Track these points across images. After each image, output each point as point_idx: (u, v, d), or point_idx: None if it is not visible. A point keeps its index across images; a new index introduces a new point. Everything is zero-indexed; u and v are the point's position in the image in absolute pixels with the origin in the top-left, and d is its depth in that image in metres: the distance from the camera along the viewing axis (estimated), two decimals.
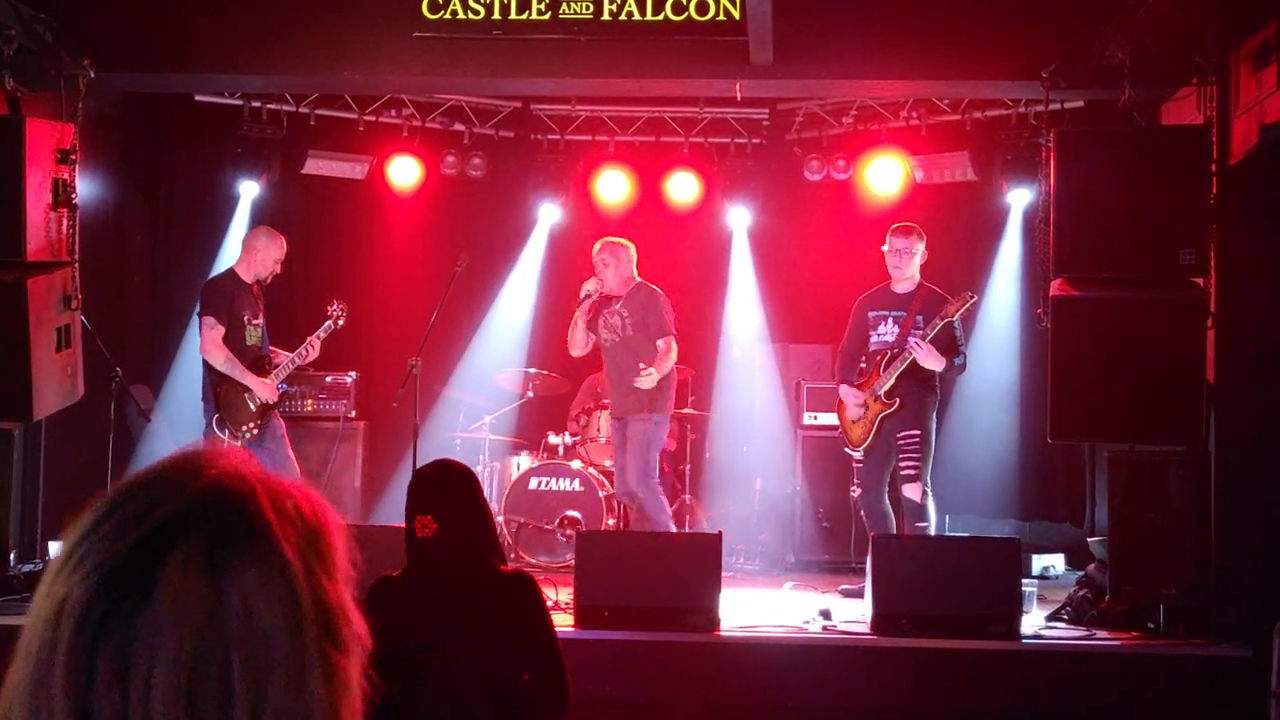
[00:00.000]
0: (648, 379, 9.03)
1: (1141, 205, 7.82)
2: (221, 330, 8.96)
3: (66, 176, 8.04)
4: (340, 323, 9.37)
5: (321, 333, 9.30)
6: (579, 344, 9.44)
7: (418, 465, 8.74)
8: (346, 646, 1.33)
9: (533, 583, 4.66)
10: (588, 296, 9.31)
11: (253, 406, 9.04)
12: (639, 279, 9.46)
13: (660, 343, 9.22)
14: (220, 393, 9.01)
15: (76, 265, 8.20)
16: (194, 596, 1.23)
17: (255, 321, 9.22)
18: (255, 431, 9.04)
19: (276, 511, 1.31)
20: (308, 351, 9.29)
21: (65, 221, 8.08)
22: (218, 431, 8.97)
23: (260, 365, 9.16)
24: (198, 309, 9.19)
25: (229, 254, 11.37)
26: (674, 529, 9.35)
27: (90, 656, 1.20)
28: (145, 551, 1.24)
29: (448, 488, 4.66)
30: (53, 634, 1.22)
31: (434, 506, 4.58)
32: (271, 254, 9.28)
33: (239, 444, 9.00)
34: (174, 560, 1.23)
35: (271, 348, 9.40)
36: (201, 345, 9.05)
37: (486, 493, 10.43)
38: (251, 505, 1.30)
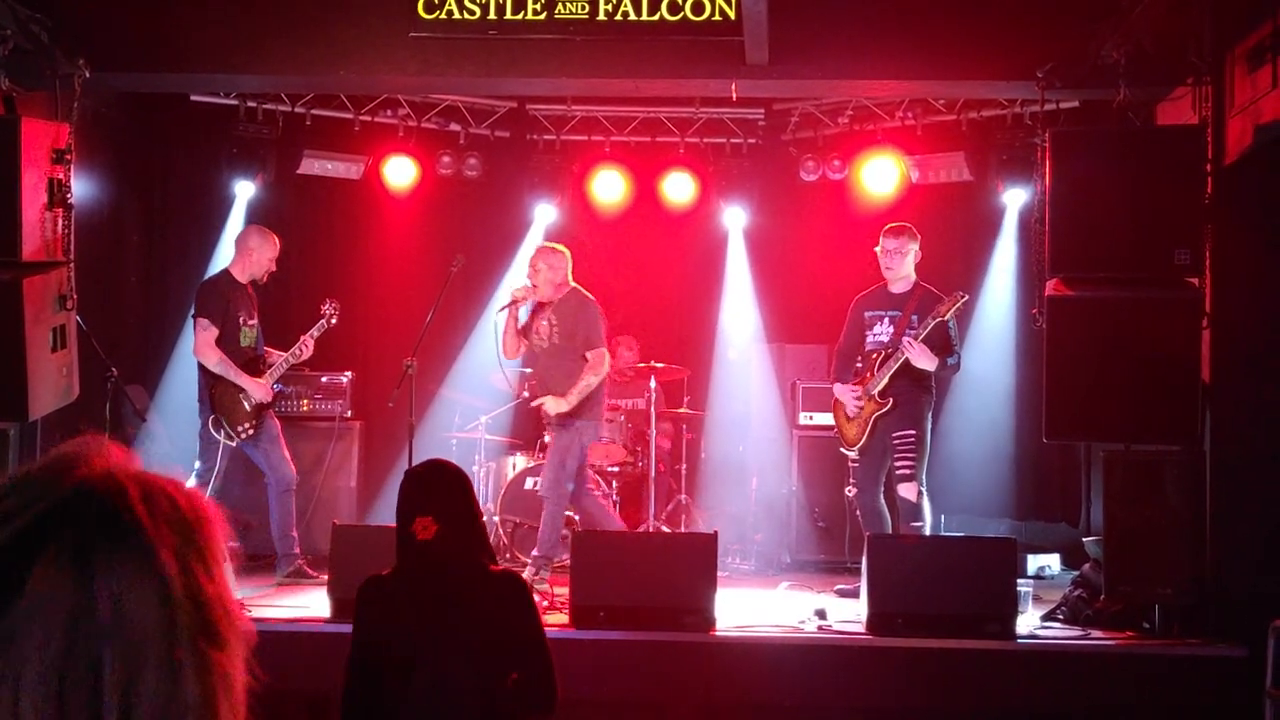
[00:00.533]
0: (554, 404, 9.00)
1: (1137, 205, 7.82)
2: (215, 332, 8.97)
3: (62, 176, 8.03)
4: (333, 321, 9.38)
5: (315, 331, 9.31)
6: (509, 348, 9.31)
7: (412, 465, 8.81)
8: (224, 641, 1.32)
9: (522, 582, 4.68)
10: (514, 301, 9.22)
11: (248, 407, 9.05)
12: (574, 285, 9.31)
13: (589, 354, 9.08)
14: (215, 394, 9.02)
15: (72, 265, 8.19)
16: (61, 597, 1.22)
17: (250, 322, 9.23)
18: (251, 431, 9.05)
19: (149, 509, 1.30)
20: (301, 351, 9.30)
21: (61, 221, 8.06)
22: (214, 432, 8.98)
23: (255, 365, 9.17)
24: (192, 310, 9.19)
25: (225, 254, 11.35)
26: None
27: None
28: (12, 553, 1.23)
29: (440, 488, 4.67)
30: None
31: (427, 507, 4.60)
32: (266, 254, 9.30)
33: (235, 444, 9.02)
34: (43, 561, 1.22)
35: (266, 348, 9.40)
36: (195, 347, 9.05)
37: (482, 493, 10.57)
38: (122, 503, 1.28)
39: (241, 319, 9.15)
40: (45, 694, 1.19)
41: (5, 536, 1.24)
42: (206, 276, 9.67)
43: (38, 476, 1.31)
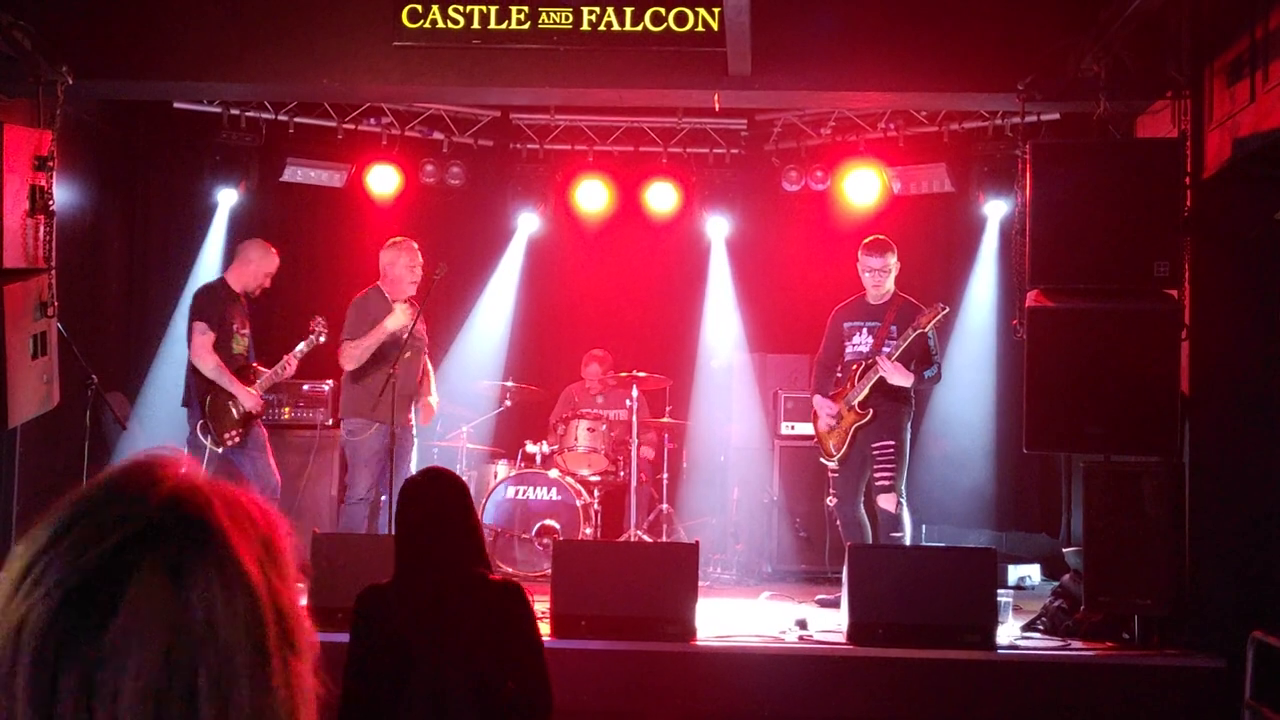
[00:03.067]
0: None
1: (1116, 217, 7.85)
2: (213, 337, 9.01)
3: (44, 183, 8.01)
4: (322, 339, 9.36)
5: (303, 347, 9.30)
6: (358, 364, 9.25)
7: (394, 474, 8.81)
8: (301, 650, 1.33)
9: (521, 592, 4.68)
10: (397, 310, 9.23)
11: (236, 414, 9.05)
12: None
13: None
14: (206, 399, 9.01)
15: (53, 272, 8.17)
16: (160, 611, 1.22)
17: (243, 331, 9.29)
18: (238, 439, 9.06)
19: (233, 521, 1.31)
20: (286, 368, 9.31)
21: (42, 228, 8.04)
22: (201, 437, 8.98)
23: (246, 374, 9.19)
24: (190, 315, 9.20)
25: (208, 261, 11.38)
26: None
27: (53, 674, 1.20)
28: (108, 568, 1.23)
29: (438, 497, 4.68)
30: (12, 653, 1.21)
31: (424, 515, 4.61)
32: (264, 268, 9.34)
33: (221, 451, 9.01)
34: (139, 576, 1.23)
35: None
36: (193, 351, 9.06)
37: None
38: (209, 516, 1.29)
39: (235, 327, 9.18)
40: (143, 708, 1.19)
41: (99, 552, 1.24)
42: (203, 283, 9.64)
43: (123, 490, 1.30)
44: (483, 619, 4.55)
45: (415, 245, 9.46)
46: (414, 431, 9.54)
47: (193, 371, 9.10)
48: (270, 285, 9.51)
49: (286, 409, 10.84)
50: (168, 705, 1.21)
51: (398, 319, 9.10)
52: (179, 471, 1.33)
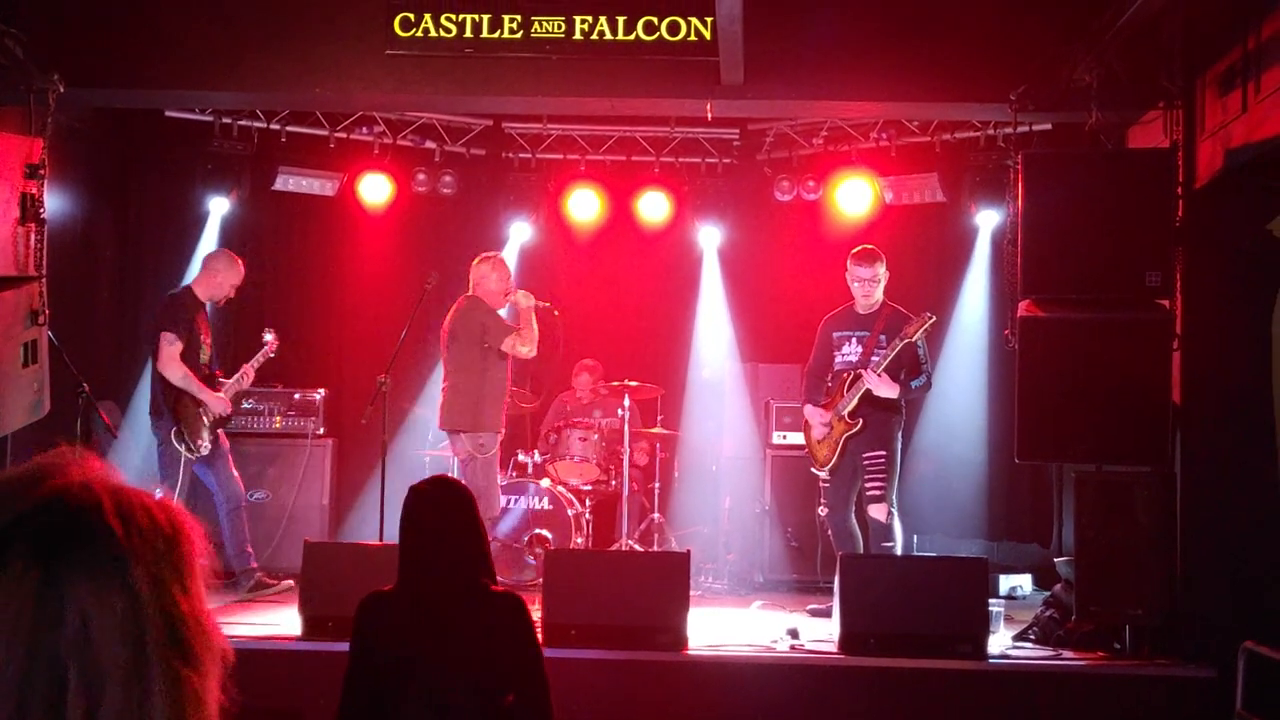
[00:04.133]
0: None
1: (1108, 227, 7.87)
2: (180, 346, 9.01)
3: (35, 191, 8.01)
4: (271, 354, 9.60)
5: (256, 361, 9.52)
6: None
7: (385, 483, 8.79)
8: (198, 661, 1.30)
9: (522, 603, 4.66)
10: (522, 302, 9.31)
11: (206, 421, 9.08)
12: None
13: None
14: (177, 408, 9.01)
15: (44, 280, 8.15)
16: (26, 608, 1.20)
17: (207, 340, 9.33)
18: (209, 446, 9.06)
19: (124, 523, 1.27)
20: (245, 377, 9.47)
21: (33, 236, 8.03)
22: (176, 444, 8.97)
23: (211, 383, 9.21)
24: (157, 323, 9.18)
25: (198, 270, 11.35)
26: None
27: None
28: None
29: (444, 506, 4.66)
30: None
31: (429, 524, 4.60)
32: (230, 279, 9.36)
33: (194, 457, 9.01)
34: (10, 568, 1.21)
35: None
36: (160, 360, 9.05)
37: None
38: (95, 516, 1.26)
39: (201, 336, 9.19)
40: (6, 703, 1.17)
41: None
42: (169, 292, 9.62)
43: (7, 486, 1.28)
44: (484, 629, 4.54)
45: (505, 259, 9.48)
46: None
47: (160, 381, 9.09)
48: (250, 288, 9.51)
49: (277, 418, 10.83)
50: (31, 700, 1.18)
51: (529, 297, 9.27)
52: (77, 471, 1.30)
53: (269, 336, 9.50)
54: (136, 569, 1.26)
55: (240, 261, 9.49)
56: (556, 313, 9.59)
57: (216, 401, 9.11)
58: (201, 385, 9.05)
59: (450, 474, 7.48)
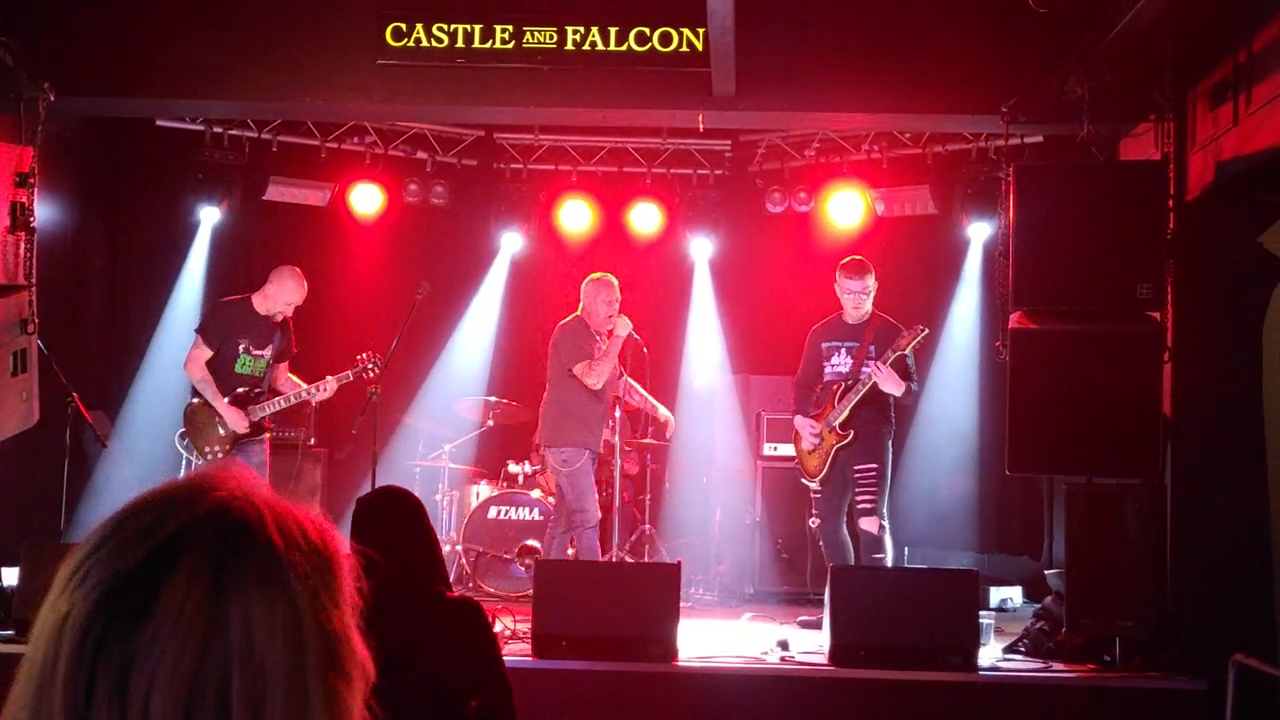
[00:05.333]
0: None
1: (1100, 239, 7.88)
2: (207, 352, 8.88)
3: (25, 200, 7.99)
4: (368, 374, 9.18)
5: (334, 382, 9.16)
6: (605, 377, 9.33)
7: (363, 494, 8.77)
8: (348, 674, 1.34)
9: (479, 609, 4.63)
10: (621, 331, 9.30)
11: (222, 431, 8.94)
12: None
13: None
14: (191, 411, 8.95)
15: (34, 289, 8.14)
16: (195, 615, 1.22)
17: (257, 353, 9.05)
18: (220, 455, 8.96)
19: (283, 536, 1.30)
20: (305, 394, 9.16)
21: (23, 245, 8.03)
22: (178, 445, 8.93)
23: (246, 395, 9.02)
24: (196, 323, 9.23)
25: (189, 280, 11.37)
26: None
27: (90, 672, 1.20)
28: (147, 568, 1.23)
29: (391, 515, 4.62)
30: (54, 649, 1.22)
31: (378, 534, 4.55)
32: (284, 296, 9.05)
33: (201, 463, 8.94)
34: (176, 578, 1.23)
35: (287, 380, 9.26)
36: (185, 359, 9.00)
37: (446, 522, 10.52)
38: (257, 527, 1.29)
39: (244, 346, 8.97)
40: (173, 712, 1.19)
41: (140, 552, 1.24)
42: (226, 298, 9.54)
43: (174, 496, 1.31)
44: (442, 637, 4.51)
45: (614, 280, 9.44)
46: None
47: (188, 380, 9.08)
48: (289, 308, 9.21)
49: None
50: (199, 710, 1.20)
51: (626, 325, 9.25)
52: (237, 484, 1.33)
53: (368, 363, 9.18)
54: (296, 584, 1.28)
55: (303, 283, 9.16)
56: (645, 350, 9.62)
57: (231, 414, 8.91)
58: (217, 394, 8.88)
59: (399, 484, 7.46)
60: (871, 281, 8.98)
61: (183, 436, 8.96)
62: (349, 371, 9.16)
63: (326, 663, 1.30)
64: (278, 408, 9.15)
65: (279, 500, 1.35)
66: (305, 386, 9.17)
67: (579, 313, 9.33)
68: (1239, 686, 6.55)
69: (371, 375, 9.18)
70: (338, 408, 11.23)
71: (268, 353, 9.13)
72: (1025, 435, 7.95)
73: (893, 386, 8.71)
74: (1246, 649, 6.64)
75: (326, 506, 10.86)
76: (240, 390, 9.00)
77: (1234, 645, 6.74)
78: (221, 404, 8.92)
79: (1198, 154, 7.82)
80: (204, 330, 9.04)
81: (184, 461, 8.92)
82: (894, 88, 8.77)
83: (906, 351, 8.67)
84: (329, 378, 9.13)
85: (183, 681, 1.20)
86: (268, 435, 9.23)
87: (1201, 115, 7.81)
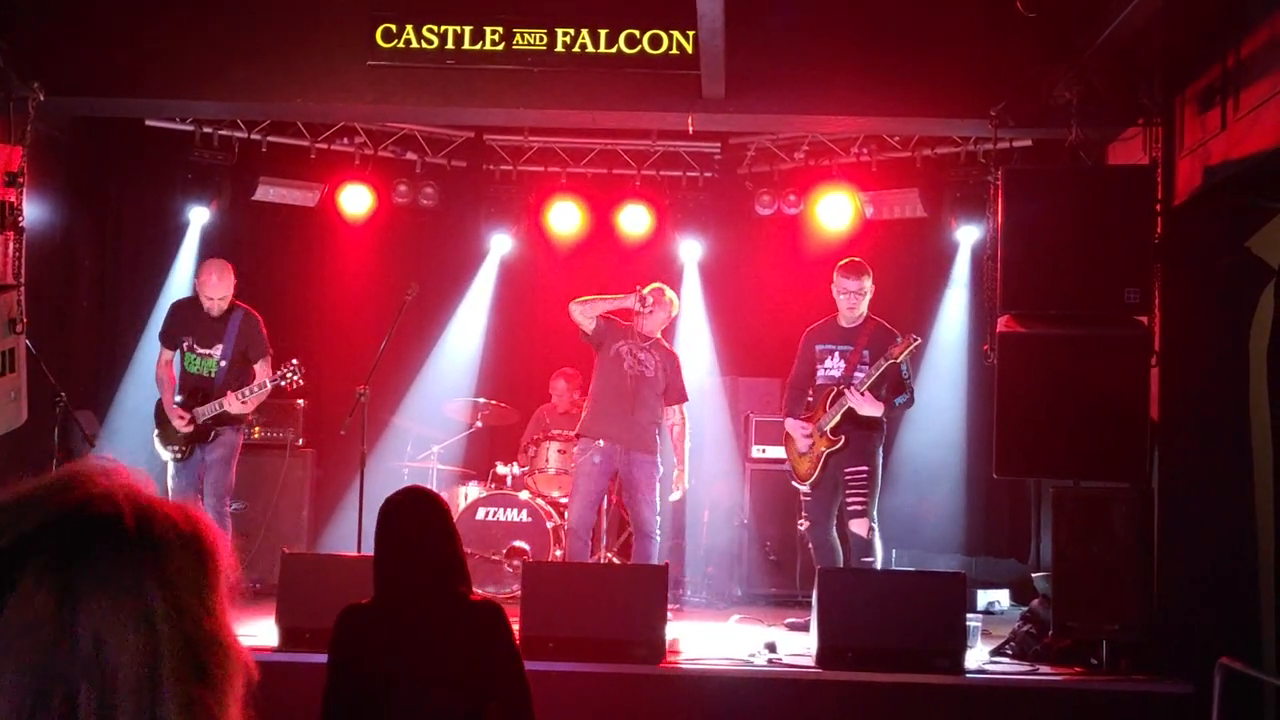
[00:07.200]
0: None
1: (1088, 243, 7.90)
2: (166, 353, 9.03)
3: (13, 199, 7.99)
4: (292, 382, 9.09)
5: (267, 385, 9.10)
6: (589, 321, 9.37)
7: (364, 494, 8.77)
8: (214, 681, 1.26)
9: (501, 612, 4.63)
10: (629, 300, 9.31)
11: (179, 430, 8.95)
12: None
13: (679, 409, 9.51)
14: (156, 409, 9.09)
15: (22, 289, 8.13)
16: (38, 626, 1.16)
17: (204, 351, 9.04)
18: (179, 456, 8.95)
19: (143, 535, 1.24)
20: (225, 403, 8.99)
21: (11, 245, 8.02)
22: (155, 443, 8.97)
23: (197, 395, 9.01)
24: None
25: (178, 280, 11.34)
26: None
27: None
28: None
29: (420, 517, 4.63)
30: None
31: (401, 535, 4.57)
32: (205, 290, 9.04)
33: (168, 460, 8.94)
34: (24, 582, 1.17)
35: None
36: None
37: None
38: (115, 529, 1.22)
39: (188, 344, 9.00)
40: None
41: None
42: (181, 297, 9.64)
43: (29, 496, 1.24)
44: (464, 639, 4.52)
45: (667, 293, 9.58)
46: (654, 461, 9.40)
47: None
48: (212, 301, 9.08)
49: (256, 428, 10.77)
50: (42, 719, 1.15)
51: (637, 301, 9.36)
52: (103, 481, 1.26)
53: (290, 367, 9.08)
54: (155, 587, 1.22)
55: (223, 270, 9.08)
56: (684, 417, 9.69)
57: (170, 413, 8.94)
58: (167, 394, 9.01)
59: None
60: (868, 283, 8.97)
61: (158, 436, 9.01)
62: (266, 379, 9.06)
63: (188, 672, 1.22)
64: (213, 412, 9.00)
65: (145, 498, 1.28)
66: (211, 401, 8.99)
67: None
68: (1225, 690, 6.57)
69: (293, 385, 9.10)
70: (326, 409, 11.23)
71: (216, 351, 9.07)
72: (1013, 438, 7.97)
73: (870, 410, 8.69)
74: (1233, 652, 6.66)
75: (314, 507, 10.98)
76: (194, 390, 9.02)
77: (1220, 648, 6.75)
78: (165, 404, 9.00)
79: (1186, 158, 7.84)
80: (161, 331, 9.18)
81: (167, 467, 8.96)
82: (883, 91, 8.79)
83: (899, 360, 8.64)
84: (244, 389, 8.98)
85: (24, 691, 1.15)
86: (227, 432, 9.10)
87: (1190, 120, 7.83)
